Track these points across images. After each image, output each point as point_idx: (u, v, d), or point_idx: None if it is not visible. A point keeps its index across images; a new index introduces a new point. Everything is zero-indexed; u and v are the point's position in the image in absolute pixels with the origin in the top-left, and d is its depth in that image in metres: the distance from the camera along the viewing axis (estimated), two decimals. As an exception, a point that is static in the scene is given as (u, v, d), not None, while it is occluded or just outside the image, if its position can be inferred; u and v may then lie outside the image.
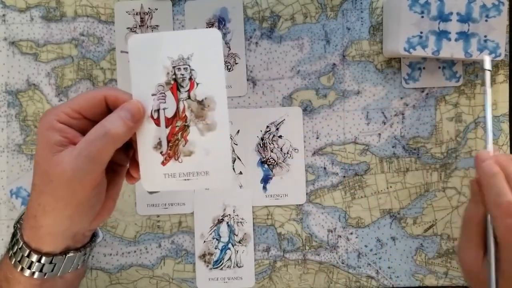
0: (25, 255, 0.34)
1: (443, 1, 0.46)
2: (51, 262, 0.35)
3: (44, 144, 0.33)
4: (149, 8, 0.52)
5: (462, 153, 0.51)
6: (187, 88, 0.34)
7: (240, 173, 0.52)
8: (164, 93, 0.34)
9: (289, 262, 0.52)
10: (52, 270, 0.35)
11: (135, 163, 0.35)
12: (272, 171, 0.52)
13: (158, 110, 0.34)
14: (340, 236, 0.52)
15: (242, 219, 0.52)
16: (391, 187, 0.51)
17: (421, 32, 0.46)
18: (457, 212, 0.51)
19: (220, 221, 0.52)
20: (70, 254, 0.36)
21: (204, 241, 0.52)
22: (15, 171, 0.52)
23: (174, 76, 0.34)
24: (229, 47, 0.52)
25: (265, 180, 0.52)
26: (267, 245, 0.52)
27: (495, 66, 0.51)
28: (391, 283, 0.51)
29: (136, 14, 0.52)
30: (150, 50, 0.34)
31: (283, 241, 0.52)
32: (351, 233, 0.52)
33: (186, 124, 0.34)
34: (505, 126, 0.51)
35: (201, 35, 0.34)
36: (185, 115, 0.34)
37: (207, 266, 0.52)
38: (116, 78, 0.52)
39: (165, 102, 0.34)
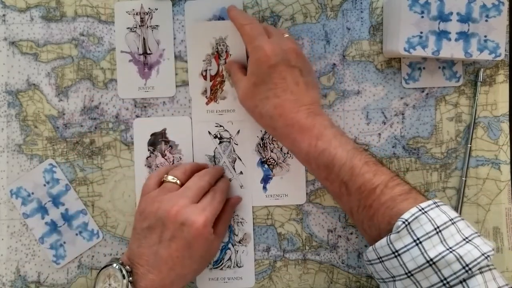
0: None
1: (443, 1, 0.46)
2: None
3: (208, 242, 0.45)
4: (149, 8, 0.52)
5: (462, 153, 0.51)
6: (224, 57, 0.52)
7: (241, 173, 0.52)
8: (210, 60, 0.52)
9: (289, 262, 0.52)
10: None
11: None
12: (272, 171, 0.52)
13: (206, 70, 0.52)
14: (340, 236, 0.52)
15: (242, 219, 0.52)
16: (391, 187, 0.51)
17: (421, 32, 0.46)
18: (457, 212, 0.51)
19: (220, 221, 0.52)
20: None
21: (204, 241, 0.52)
22: (15, 171, 0.52)
23: (216, 49, 0.52)
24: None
25: (265, 180, 0.52)
26: (267, 245, 0.52)
27: (495, 66, 0.51)
28: (391, 283, 0.51)
29: (136, 14, 0.52)
30: (202, 34, 0.52)
31: (283, 241, 0.52)
32: (351, 233, 0.52)
33: (223, 79, 0.52)
34: (505, 126, 0.51)
35: (231, 23, 0.49)
36: (223, 74, 0.52)
37: (207, 266, 0.52)
38: (116, 78, 0.52)
39: (210, 65, 0.52)
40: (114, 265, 0.43)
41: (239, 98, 0.48)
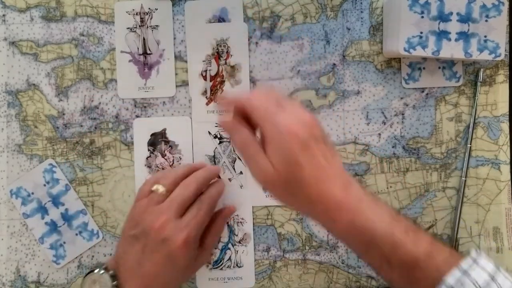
0: None
1: (443, 1, 0.46)
2: None
3: (189, 256, 0.44)
4: (149, 8, 0.52)
5: (462, 153, 0.51)
6: (224, 58, 0.52)
7: (241, 173, 0.52)
8: (210, 60, 0.51)
9: (289, 262, 0.52)
10: None
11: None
12: (272, 171, 0.52)
13: (206, 71, 0.52)
14: (340, 236, 0.52)
15: (242, 219, 0.52)
16: (391, 187, 0.51)
17: (421, 32, 0.46)
18: (457, 212, 0.51)
19: (220, 221, 0.52)
20: None
21: (204, 241, 0.52)
22: (15, 171, 0.52)
23: (217, 50, 0.51)
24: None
25: (265, 180, 0.52)
26: (267, 245, 0.52)
27: (495, 66, 0.51)
28: (391, 283, 0.51)
29: (136, 14, 0.52)
30: (202, 34, 0.52)
31: (283, 241, 0.52)
32: (351, 233, 0.52)
33: (223, 80, 0.52)
34: (505, 126, 0.51)
35: (234, 25, 0.51)
36: (223, 74, 0.51)
37: (207, 266, 0.52)
38: (116, 78, 0.52)
39: (210, 66, 0.51)
40: (99, 270, 0.44)
41: (261, 178, 0.39)
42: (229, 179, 0.52)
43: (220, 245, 0.52)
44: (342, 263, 0.52)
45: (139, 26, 0.52)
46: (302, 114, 0.39)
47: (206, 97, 0.52)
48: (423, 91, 0.51)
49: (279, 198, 0.40)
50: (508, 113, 0.51)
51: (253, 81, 0.52)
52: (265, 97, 0.39)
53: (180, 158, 0.52)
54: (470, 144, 0.51)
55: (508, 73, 0.51)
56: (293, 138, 0.37)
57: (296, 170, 0.37)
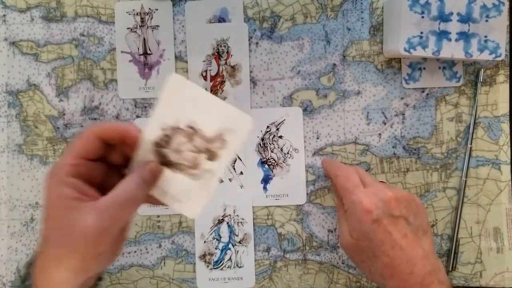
0: None
1: (443, 1, 0.46)
2: None
3: (58, 199, 0.34)
4: (150, 8, 0.52)
5: (463, 153, 0.51)
6: (225, 58, 0.52)
7: (241, 173, 0.52)
8: (210, 60, 0.51)
9: (290, 262, 0.52)
10: None
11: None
12: (272, 171, 0.52)
13: (206, 71, 0.52)
14: (341, 236, 0.52)
15: (243, 219, 0.52)
16: (391, 187, 0.51)
17: (422, 32, 0.46)
18: (457, 212, 0.51)
19: (220, 221, 0.52)
20: None
21: (205, 241, 0.52)
22: (15, 171, 0.52)
23: (217, 50, 0.52)
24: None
25: (266, 180, 0.52)
26: (267, 245, 0.52)
27: (496, 66, 0.51)
28: (391, 283, 0.51)
29: (136, 14, 0.52)
30: (202, 34, 0.51)
31: (283, 241, 0.52)
32: (352, 233, 0.52)
33: (223, 80, 0.52)
34: (505, 126, 0.51)
35: (235, 25, 0.51)
36: (223, 74, 0.52)
37: (208, 266, 0.52)
38: (117, 79, 0.52)
39: (210, 66, 0.51)
40: None
41: (340, 243, 0.45)
42: (230, 179, 0.52)
43: (221, 245, 0.52)
44: (343, 263, 0.52)
45: (140, 26, 0.52)
46: (381, 192, 0.42)
47: None
48: (423, 91, 0.51)
49: (353, 261, 0.45)
50: (508, 113, 0.51)
51: (253, 81, 0.52)
52: (349, 175, 0.44)
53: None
54: (471, 144, 0.51)
55: (508, 73, 0.51)
56: (366, 213, 0.41)
57: (365, 243, 0.41)
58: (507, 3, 0.47)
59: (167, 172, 0.36)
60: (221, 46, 0.52)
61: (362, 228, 0.41)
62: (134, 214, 0.36)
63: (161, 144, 0.36)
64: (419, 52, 0.46)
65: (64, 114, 0.52)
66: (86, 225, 0.33)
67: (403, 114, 0.52)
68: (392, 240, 0.40)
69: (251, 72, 0.52)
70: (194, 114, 0.35)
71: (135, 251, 0.52)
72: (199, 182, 0.36)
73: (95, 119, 0.52)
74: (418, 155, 0.51)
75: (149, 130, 0.36)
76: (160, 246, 0.52)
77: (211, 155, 0.36)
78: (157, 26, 0.52)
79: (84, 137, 0.35)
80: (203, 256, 0.52)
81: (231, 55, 0.52)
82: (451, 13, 0.46)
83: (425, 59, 0.51)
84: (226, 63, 0.52)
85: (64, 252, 0.34)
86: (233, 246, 0.52)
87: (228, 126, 0.35)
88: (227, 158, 0.36)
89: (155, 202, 0.37)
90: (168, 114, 0.36)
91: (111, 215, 0.33)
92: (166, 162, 0.36)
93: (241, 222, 0.52)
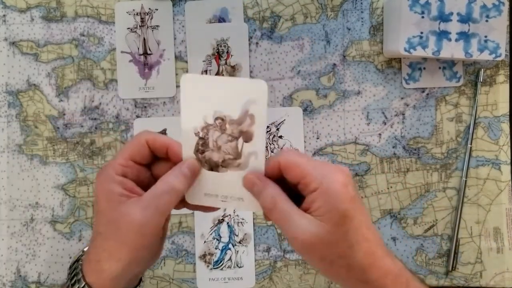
0: None
1: (443, 1, 0.46)
2: None
3: (108, 196, 0.36)
4: (149, 8, 0.52)
5: (463, 153, 0.51)
6: (225, 58, 0.52)
7: (241, 173, 0.52)
8: (210, 60, 0.52)
9: (290, 262, 0.52)
10: None
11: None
12: (272, 171, 0.52)
13: (206, 71, 0.52)
14: (341, 236, 0.52)
15: (243, 219, 0.52)
16: (391, 187, 0.51)
17: (422, 32, 0.46)
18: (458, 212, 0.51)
19: (220, 222, 0.52)
20: None
21: (205, 242, 0.52)
22: (15, 171, 0.52)
23: (217, 50, 0.52)
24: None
25: (266, 180, 0.52)
26: (267, 245, 0.52)
27: (495, 66, 0.51)
28: (391, 283, 0.51)
29: (137, 14, 0.52)
30: (202, 34, 0.51)
31: (283, 241, 0.52)
32: (352, 233, 0.52)
33: None
34: (506, 126, 0.51)
35: (235, 25, 0.51)
36: (223, 74, 0.52)
37: (208, 266, 0.52)
38: (117, 79, 0.52)
39: (210, 66, 0.52)
40: None
41: (300, 243, 0.34)
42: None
43: (221, 246, 0.52)
44: (343, 263, 0.51)
45: (140, 26, 0.52)
46: (341, 168, 0.34)
47: None
48: (423, 91, 0.51)
49: (318, 265, 0.35)
50: (508, 113, 0.51)
51: (253, 81, 0.52)
52: (299, 153, 0.37)
53: (181, 158, 0.52)
54: (471, 144, 0.51)
55: (508, 73, 0.51)
56: (343, 188, 0.33)
57: (342, 228, 0.33)
58: (507, 3, 0.47)
59: (219, 176, 0.37)
60: (221, 46, 0.52)
61: (340, 209, 0.33)
62: (173, 208, 0.37)
63: (201, 150, 0.37)
64: (419, 52, 0.46)
65: (64, 114, 0.52)
66: (132, 218, 0.35)
67: (403, 114, 0.52)
68: (366, 219, 0.34)
69: (251, 72, 0.52)
70: (216, 103, 0.36)
71: (135, 251, 0.52)
72: (249, 170, 0.36)
73: (95, 119, 0.52)
74: (418, 155, 0.51)
75: (185, 140, 0.37)
76: (160, 246, 0.52)
77: (247, 136, 0.36)
78: (157, 26, 0.52)
79: (136, 141, 0.37)
80: (203, 256, 0.52)
81: (231, 55, 0.52)
82: (451, 13, 0.46)
83: (425, 59, 0.51)
84: (226, 63, 0.52)
85: (114, 245, 0.36)
86: (233, 246, 0.52)
87: (249, 99, 0.35)
88: (262, 132, 0.36)
89: (210, 209, 0.39)
90: (194, 116, 0.36)
91: (153, 207, 0.35)
92: (212, 165, 0.37)
93: (241, 222, 0.52)
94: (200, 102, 0.36)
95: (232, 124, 0.36)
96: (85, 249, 0.40)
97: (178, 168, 0.37)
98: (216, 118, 0.36)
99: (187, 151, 0.37)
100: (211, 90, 0.36)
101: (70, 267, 0.40)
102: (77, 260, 0.40)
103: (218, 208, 0.39)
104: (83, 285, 0.37)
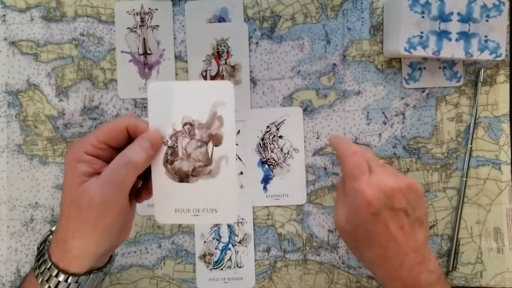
0: (53, 274, 0.37)
1: (443, 1, 0.46)
2: (76, 282, 0.37)
3: (72, 175, 0.36)
4: (149, 8, 0.52)
5: (463, 153, 0.51)
6: (225, 57, 0.51)
7: (241, 173, 0.52)
8: (210, 60, 0.51)
9: (290, 262, 0.52)
10: None
11: (148, 185, 0.38)
12: (272, 172, 0.52)
13: (206, 71, 0.51)
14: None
15: (243, 219, 0.52)
16: (391, 187, 0.51)
17: (422, 32, 0.46)
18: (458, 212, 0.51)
19: (220, 222, 0.52)
20: (93, 274, 0.38)
21: (205, 242, 0.52)
22: (15, 171, 0.52)
23: (217, 50, 0.51)
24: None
25: (266, 180, 0.52)
26: (267, 246, 0.52)
27: (496, 66, 0.51)
28: (391, 283, 0.51)
29: (136, 14, 0.52)
30: (202, 34, 0.51)
31: (283, 242, 0.52)
32: (352, 234, 0.52)
33: (223, 80, 0.51)
34: (506, 126, 0.51)
35: (235, 25, 0.51)
36: (223, 74, 0.51)
37: (208, 266, 0.52)
38: (116, 78, 0.52)
39: (210, 66, 0.51)
40: None
41: (336, 224, 0.44)
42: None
43: (221, 246, 0.52)
44: (343, 263, 0.51)
45: (139, 26, 0.52)
46: (384, 182, 0.40)
47: None
48: (423, 91, 0.51)
49: (345, 243, 0.45)
50: (509, 113, 0.51)
51: (253, 81, 0.52)
52: (359, 160, 0.42)
53: (180, 158, 0.52)
54: (471, 144, 0.51)
55: (508, 73, 0.51)
56: (366, 205, 0.40)
57: (361, 232, 0.41)
58: (507, 3, 0.46)
59: (189, 187, 0.36)
60: (221, 46, 0.52)
61: (360, 219, 0.40)
62: (134, 181, 0.36)
63: (170, 160, 0.36)
64: (419, 52, 0.46)
65: (64, 114, 0.52)
66: (91, 196, 0.34)
67: (403, 114, 0.51)
68: (389, 233, 0.40)
69: (251, 72, 0.52)
70: (184, 109, 0.35)
71: (135, 251, 0.52)
72: (220, 177, 0.36)
73: (95, 119, 0.52)
74: (419, 155, 0.51)
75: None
76: (160, 246, 0.52)
77: (217, 139, 0.36)
78: (157, 26, 0.52)
79: (115, 125, 0.36)
80: (203, 256, 0.52)
81: (231, 55, 0.52)
82: (451, 13, 0.46)
83: (425, 59, 0.51)
84: (226, 63, 0.52)
85: (77, 224, 0.35)
86: (233, 246, 0.52)
87: (216, 100, 0.35)
88: (231, 134, 0.35)
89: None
90: (162, 124, 0.36)
91: (110, 182, 0.35)
92: (183, 176, 0.36)
93: (241, 222, 0.52)
94: (168, 109, 0.35)
95: (201, 128, 0.35)
96: (53, 229, 0.39)
97: (137, 140, 0.36)
98: (185, 124, 0.36)
99: (156, 163, 0.36)
100: (178, 96, 0.35)
101: (38, 247, 0.39)
102: (45, 241, 0.40)
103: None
104: (49, 265, 0.37)
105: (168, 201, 0.37)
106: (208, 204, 0.37)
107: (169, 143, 0.36)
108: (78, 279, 0.37)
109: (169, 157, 0.36)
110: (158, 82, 0.36)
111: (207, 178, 0.36)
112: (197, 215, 0.37)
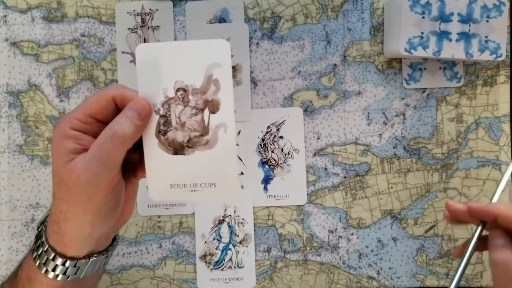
0: (50, 258, 0.34)
1: (444, 1, 0.46)
2: (75, 266, 0.35)
3: (59, 153, 0.32)
4: (150, 9, 0.52)
5: (463, 154, 0.51)
6: None
7: (241, 173, 0.52)
8: None
9: (290, 262, 0.52)
10: (75, 273, 0.36)
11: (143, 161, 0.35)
12: (273, 172, 0.52)
13: None
14: (341, 237, 0.52)
15: (243, 219, 0.52)
16: (392, 187, 0.51)
17: (422, 33, 0.46)
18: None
19: (221, 222, 0.52)
20: (94, 258, 0.36)
21: (205, 242, 0.52)
22: (16, 171, 0.52)
23: None
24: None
25: (266, 180, 0.52)
26: (268, 246, 0.52)
27: (496, 66, 0.51)
28: (392, 283, 0.51)
29: (137, 14, 0.52)
30: (203, 35, 0.48)
31: (284, 242, 0.52)
32: (352, 234, 0.52)
33: None
34: (506, 127, 0.51)
35: (235, 25, 0.49)
36: None
37: (208, 266, 0.52)
38: (117, 79, 0.52)
39: None
40: None
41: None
42: (230, 180, 0.52)
43: (221, 246, 0.52)
44: (343, 263, 0.52)
45: (140, 26, 0.52)
46: None
47: None
48: (424, 92, 0.51)
49: None
50: (509, 114, 0.51)
51: (254, 81, 0.52)
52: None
53: (181, 159, 0.52)
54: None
55: (509, 73, 0.51)
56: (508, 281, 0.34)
57: None
58: (507, 4, 0.47)
59: (185, 160, 0.32)
60: None
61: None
62: (124, 155, 0.33)
63: (163, 130, 0.33)
64: (419, 53, 0.46)
65: (64, 115, 0.52)
66: (78, 175, 0.31)
67: (403, 115, 0.52)
68: None
69: (251, 72, 0.52)
70: (176, 73, 0.32)
71: (136, 252, 0.52)
72: (218, 147, 0.32)
73: (95, 119, 0.52)
74: (419, 155, 0.51)
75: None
76: (160, 246, 0.52)
77: (213, 105, 0.32)
78: (157, 26, 0.52)
79: (100, 96, 0.33)
80: (203, 257, 0.52)
81: (232, 56, 0.52)
82: (452, 14, 0.46)
83: (425, 59, 0.51)
84: None
85: (67, 206, 0.33)
86: (234, 247, 0.52)
87: (211, 62, 0.31)
88: (229, 99, 0.32)
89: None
90: (153, 91, 0.32)
91: (97, 158, 0.31)
92: (177, 148, 0.33)
93: (241, 223, 0.52)
94: (159, 73, 0.32)
95: (196, 94, 0.32)
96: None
97: (123, 111, 0.33)
98: (178, 90, 0.32)
99: (147, 134, 0.33)
100: (169, 59, 0.32)
101: (38, 227, 0.37)
102: (44, 221, 0.37)
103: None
104: (46, 247, 0.35)
105: (163, 176, 0.33)
106: (206, 178, 0.33)
107: (161, 112, 0.32)
108: (76, 263, 0.35)
109: (161, 127, 0.32)
110: (146, 44, 0.32)
111: (204, 149, 0.32)
112: (195, 191, 0.33)
